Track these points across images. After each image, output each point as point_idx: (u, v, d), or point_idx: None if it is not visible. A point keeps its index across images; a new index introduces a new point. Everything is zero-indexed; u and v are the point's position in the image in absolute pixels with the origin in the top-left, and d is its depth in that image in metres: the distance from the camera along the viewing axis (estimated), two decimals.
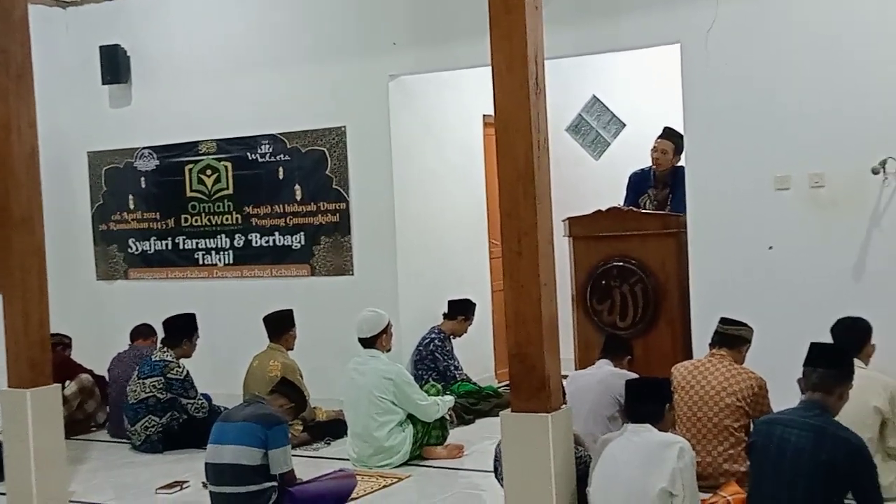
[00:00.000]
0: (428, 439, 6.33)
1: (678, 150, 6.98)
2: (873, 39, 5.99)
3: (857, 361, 4.74)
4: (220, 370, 7.68)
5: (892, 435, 4.98)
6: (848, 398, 4.19)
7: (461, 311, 7.78)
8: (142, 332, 7.63)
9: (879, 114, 5.97)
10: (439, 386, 7.09)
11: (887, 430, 4.98)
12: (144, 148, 8.73)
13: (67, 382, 7.36)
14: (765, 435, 4.14)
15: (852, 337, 5.07)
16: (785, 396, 4.56)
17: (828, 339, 4.96)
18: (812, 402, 4.09)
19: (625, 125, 8.89)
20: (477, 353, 8.19)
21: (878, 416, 4.93)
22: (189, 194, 8.57)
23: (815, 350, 4.22)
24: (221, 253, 8.48)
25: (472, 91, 7.96)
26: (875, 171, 5.90)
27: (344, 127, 7.85)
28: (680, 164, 6.97)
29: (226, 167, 8.39)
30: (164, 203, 8.70)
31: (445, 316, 7.78)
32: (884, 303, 5.84)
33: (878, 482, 4.10)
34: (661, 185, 7.09)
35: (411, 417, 6.27)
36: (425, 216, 7.98)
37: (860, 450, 3.97)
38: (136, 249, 8.86)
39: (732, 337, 5.44)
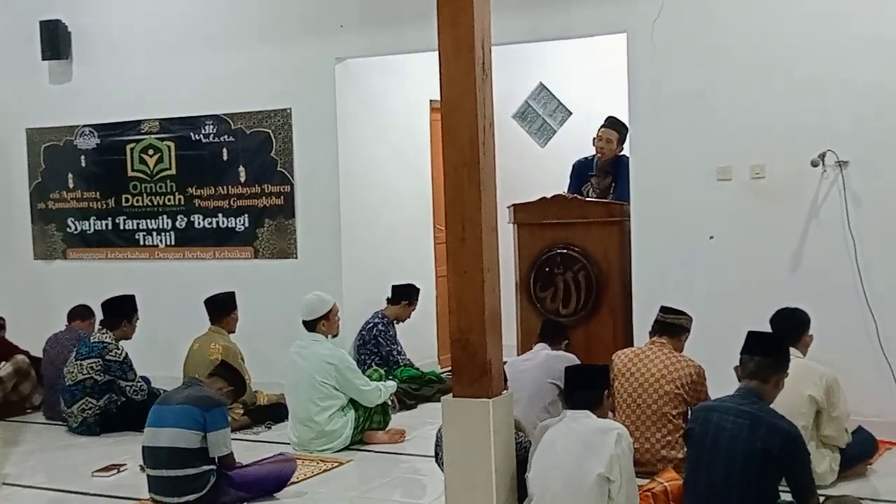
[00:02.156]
0: (369, 424, 6.32)
1: (622, 139, 7.02)
2: (815, 34, 6.07)
3: (795, 351, 4.82)
4: (160, 353, 7.59)
5: (826, 424, 5.08)
6: (783, 386, 4.27)
7: (405, 296, 7.78)
8: (80, 314, 7.51)
9: (820, 107, 6.06)
10: (382, 371, 7.08)
11: (822, 419, 5.07)
12: (85, 126, 8.57)
13: (2, 363, 7.24)
14: (702, 422, 4.20)
15: (791, 327, 5.16)
16: (723, 384, 4.62)
17: (766, 327, 5.04)
18: (748, 389, 4.16)
19: (571, 113, 8.93)
20: (420, 339, 8.19)
21: (813, 406, 5.02)
22: (130, 174, 8.44)
23: (752, 338, 4.29)
24: (163, 234, 8.37)
25: (419, 75, 7.93)
26: (814, 164, 5.99)
27: (289, 109, 7.78)
28: (622, 153, 7.02)
29: (168, 147, 8.27)
30: (105, 182, 8.55)
31: (389, 301, 7.77)
32: (819, 293, 5.94)
33: (811, 469, 4.18)
34: (603, 173, 7.13)
35: (353, 402, 6.26)
36: (370, 200, 7.94)
37: (794, 437, 4.04)
38: (76, 229, 8.71)
39: (672, 325, 5.51)
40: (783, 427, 4.03)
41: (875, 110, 5.94)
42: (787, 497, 4.12)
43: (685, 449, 4.52)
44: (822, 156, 5.98)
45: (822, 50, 6.05)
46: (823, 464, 5.05)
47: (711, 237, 6.39)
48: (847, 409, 5.19)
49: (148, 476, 5.11)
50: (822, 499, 4.21)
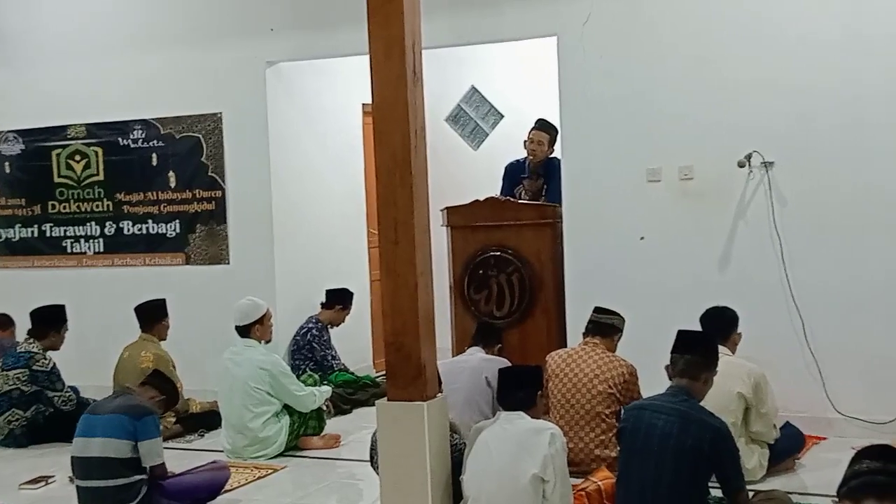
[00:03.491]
0: (304, 429, 6.29)
1: (552, 141, 7.08)
2: (742, 36, 6.18)
3: (723, 349, 4.91)
4: (90, 361, 7.45)
5: (755, 420, 5.16)
6: (713, 384, 4.33)
7: (339, 300, 7.75)
8: (0, 323, 7.35)
9: (746, 109, 6.17)
10: (317, 376, 7.04)
11: (751, 415, 5.16)
12: (9, 132, 8.39)
13: None
14: (634, 420, 4.24)
15: (719, 325, 5.24)
16: (654, 382, 4.68)
17: (696, 326, 5.11)
18: (679, 387, 4.22)
19: (503, 116, 8.98)
20: (355, 343, 8.16)
21: (741, 402, 5.11)
22: (57, 180, 8.28)
23: (682, 337, 4.34)
24: (91, 241, 8.23)
25: (351, 79, 7.90)
26: (741, 165, 6.09)
27: (220, 113, 7.70)
28: (554, 155, 7.08)
29: (96, 152, 8.14)
30: (30, 189, 8.39)
31: (323, 305, 7.74)
32: (747, 292, 6.05)
33: (741, 465, 4.25)
34: (535, 176, 7.17)
35: (287, 408, 6.22)
36: (303, 205, 7.90)
37: (724, 434, 4.10)
38: (0, 237, 8.53)
39: (605, 325, 5.56)
40: (713, 424, 4.09)
41: (799, 111, 6.07)
42: (717, 493, 4.19)
43: (618, 448, 4.56)
44: (749, 157, 6.09)
45: (748, 52, 6.16)
46: (753, 459, 5.14)
47: (642, 238, 6.46)
48: (775, 405, 5.29)
49: (77, 487, 5.01)
50: (751, 494, 4.28)
